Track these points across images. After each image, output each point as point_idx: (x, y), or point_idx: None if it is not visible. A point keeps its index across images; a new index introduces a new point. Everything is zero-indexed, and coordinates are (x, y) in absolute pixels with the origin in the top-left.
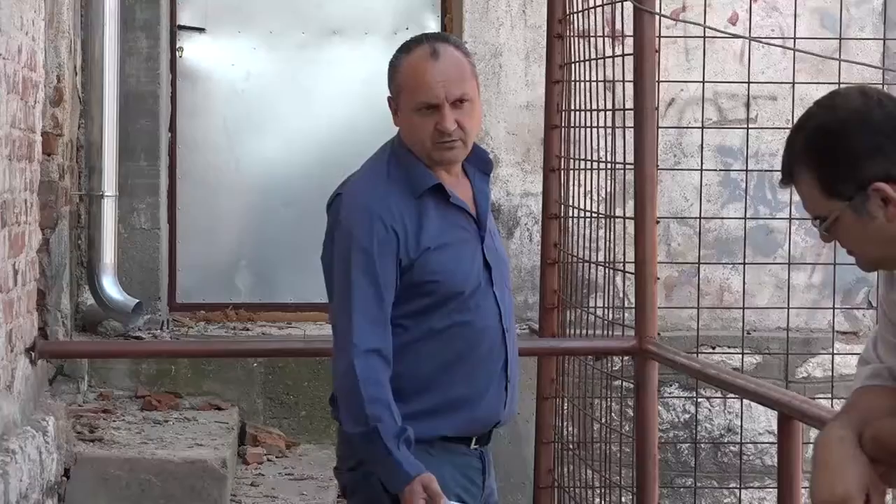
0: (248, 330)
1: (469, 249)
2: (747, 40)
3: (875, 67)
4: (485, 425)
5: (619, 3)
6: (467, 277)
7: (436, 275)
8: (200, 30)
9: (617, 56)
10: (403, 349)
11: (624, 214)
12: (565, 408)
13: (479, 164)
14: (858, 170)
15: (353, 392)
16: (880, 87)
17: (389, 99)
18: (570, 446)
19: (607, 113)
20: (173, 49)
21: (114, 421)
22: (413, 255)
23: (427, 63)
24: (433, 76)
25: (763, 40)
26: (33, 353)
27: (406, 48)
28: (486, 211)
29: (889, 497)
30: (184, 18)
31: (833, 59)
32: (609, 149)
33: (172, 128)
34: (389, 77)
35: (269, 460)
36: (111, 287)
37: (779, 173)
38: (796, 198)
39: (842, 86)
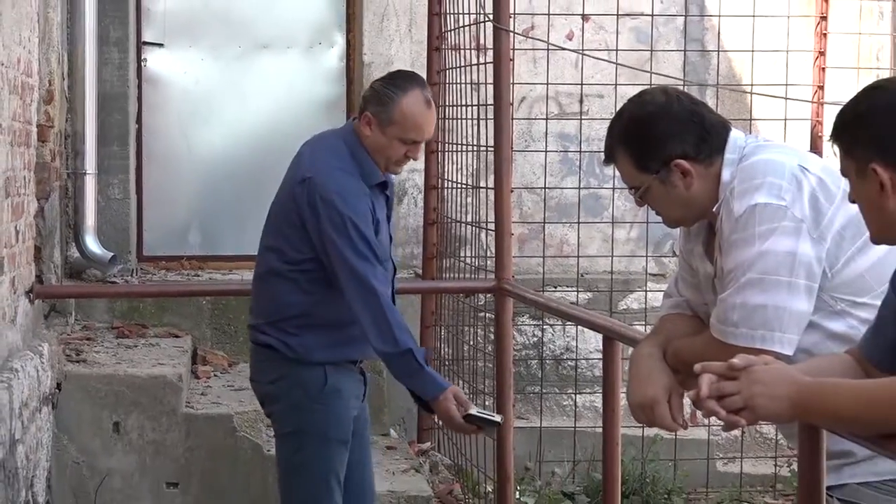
0: (198, 276)
1: (385, 229)
2: (580, 53)
3: (673, 78)
4: (363, 353)
5: (482, 24)
6: (385, 248)
7: (378, 244)
8: (160, 45)
9: (481, 64)
10: (340, 293)
11: (486, 185)
12: (443, 334)
13: None
14: (662, 150)
15: (383, 320)
16: (679, 87)
17: (369, 114)
18: (447, 363)
19: (473, 108)
20: (139, 60)
21: (95, 346)
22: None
23: (424, 110)
24: (427, 122)
25: (590, 53)
26: (31, 295)
27: (402, 88)
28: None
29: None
30: (147, 36)
31: (644, 70)
32: (475, 135)
33: (139, 121)
34: (381, 102)
35: (214, 375)
36: (92, 243)
37: (602, 152)
38: (618, 172)
39: (659, 86)
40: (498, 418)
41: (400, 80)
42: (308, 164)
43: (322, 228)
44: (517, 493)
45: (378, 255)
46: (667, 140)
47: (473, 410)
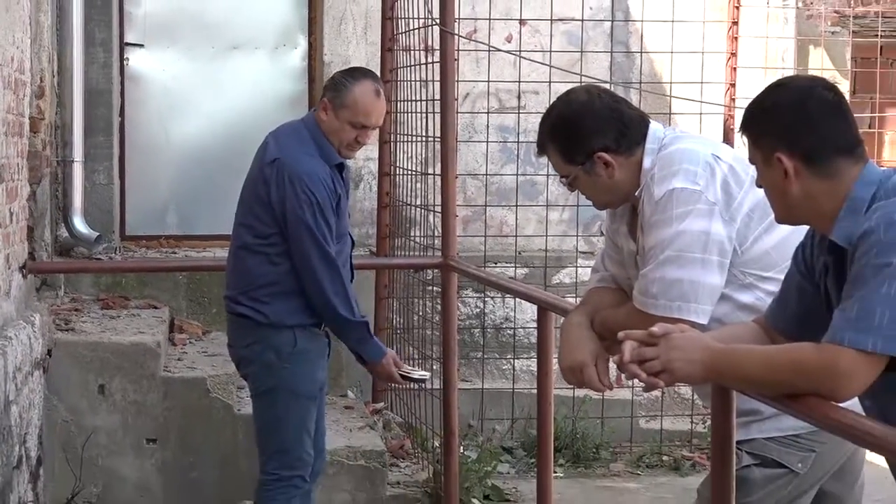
0: (175, 253)
1: (344, 206)
2: (517, 55)
3: (598, 80)
4: None
5: (430, 27)
6: (344, 224)
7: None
8: (141, 45)
9: (428, 63)
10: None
11: (434, 172)
12: (395, 305)
13: None
14: (586, 145)
15: (344, 292)
16: (606, 85)
17: (326, 99)
18: (398, 331)
19: (422, 102)
20: (122, 59)
21: (82, 317)
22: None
23: (373, 99)
24: (375, 110)
25: (526, 55)
26: (24, 270)
27: (356, 78)
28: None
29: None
30: (129, 37)
31: (574, 73)
32: (423, 127)
33: (122, 114)
34: (336, 89)
35: (189, 342)
36: (80, 224)
37: (536, 147)
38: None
39: (583, 84)
40: (426, 375)
41: (355, 72)
42: (275, 148)
43: (289, 206)
44: (461, 447)
45: (334, 237)
46: (590, 136)
47: (405, 370)
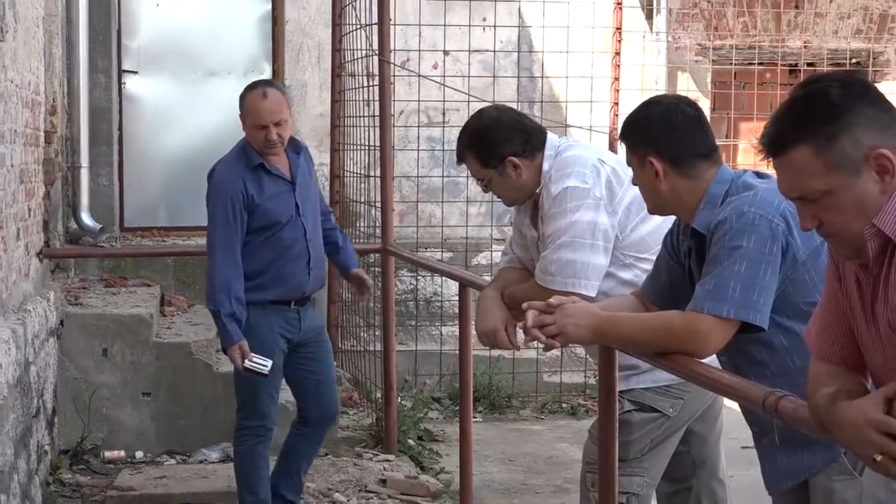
0: (165, 241)
1: (284, 197)
2: (441, 84)
3: (507, 101)
4: (296, 294)
5: (371, 57)
6: (282, 212)
7: (263, 213)
8: (135, 72)
9: (370, 86)
10: (250, 252)
11: (375, 174)
12: (344, 283)
13: (294, 147)
14: (499, 151)
15: (210, 281)
16: (514, 105)
17: (241, 116)
18: (347, 304)
19: (365, 118)
20: (120, 83)
21: (88, 293)
22: (251, 204)
23: (259, 101)
24: (263, 110)
25: (448, 83)
26: (40, 256)
27: (248, 89)
28: (298, 173)
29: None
30: (126, 65)
31: (482, 99)
32: (366, 138)
33: (120, 128)
34: (240, 105)
35: (177, 314)
36: (87, 218)
37: (456, 156)
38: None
39: (491, 103)
40: (266, 366)
41: (250, 85)
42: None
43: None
44: (399, 397)
45: (238, 228)
46: (501, 144)
47: (250, 358)
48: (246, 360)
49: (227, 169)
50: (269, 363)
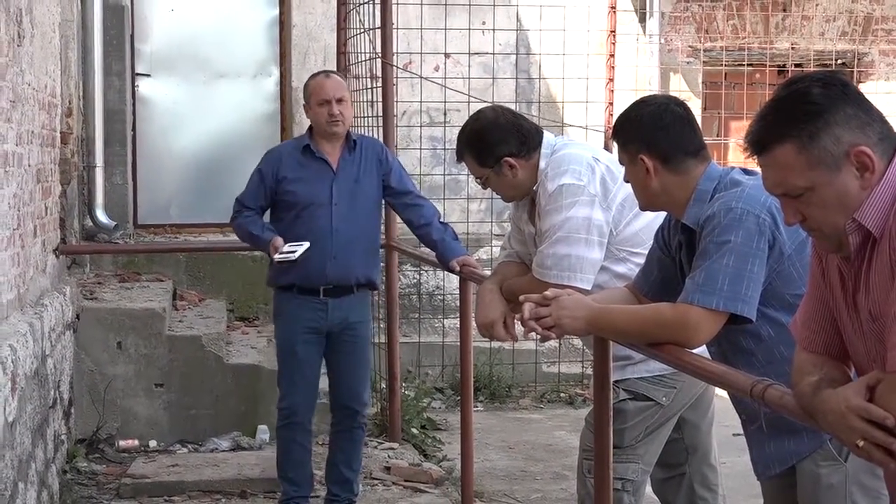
0: (177, 238)
1: (320, 182)
2: (443, 85)
3: (506, 101)
4: (319, 282)
5: (375, 60)
6: (312, 195)
7: (290, 191)
8: (148, 75)
9: (374, 88)
10: (281, 230)
11: None
12: None
13: (351, 144)
14: (495, 151)
15: (239, 226)
16: (512, 105)
17: (305, 105)
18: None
19: (369, 118)
20: (133, 85)
21: (103, 288)
22: (279, 178)
23: (323, 79)
24: (326, 85)
25: (449, 85)
26: (57, 252)
27: (313, 76)
28: (344, 165)
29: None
30: (139, 68)
31: (481, 100)
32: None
33: (134, 129)
34: (304, 93)
35: (188, 308)
36: (102, 216)
37: (455, 155)
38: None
39: (491, 104)
40: (293, 255)
41: (312, 74)
42: None
43: None
44: (402, 388)
45: (255, 199)
46: (497, 145)
47: (278, 255)
48: (276, 254)
49: (278, 146)
50: (299, 249)
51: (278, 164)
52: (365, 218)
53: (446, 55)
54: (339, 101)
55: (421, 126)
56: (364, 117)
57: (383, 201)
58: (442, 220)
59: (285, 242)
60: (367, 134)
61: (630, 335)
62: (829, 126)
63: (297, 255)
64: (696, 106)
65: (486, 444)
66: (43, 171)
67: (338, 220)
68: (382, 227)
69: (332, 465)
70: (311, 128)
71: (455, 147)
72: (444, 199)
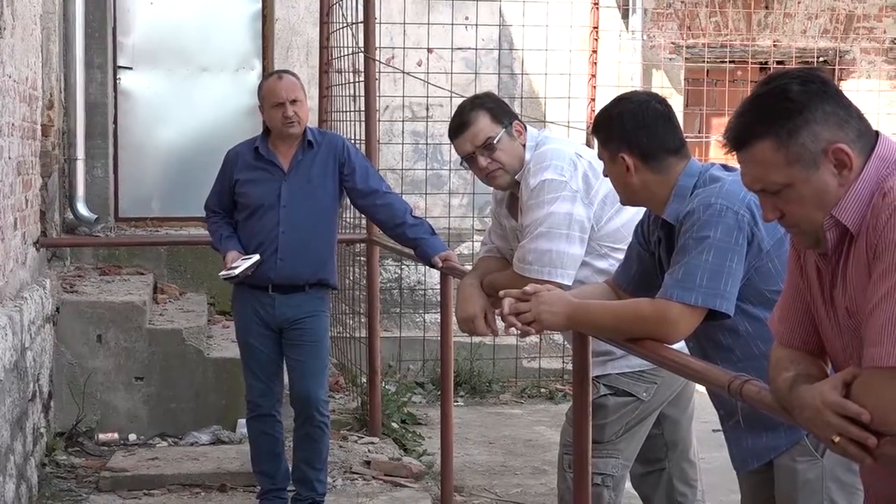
0: (158, 231)
1: (269, 184)
2: (425, 81)
3: (488, 94)
4: (263, 281)
5: (357, 55)
6: (261, 197)
7: (242, 193)
8: (130, 68)
9: (356, 82)
10: (238, 231)
11: None
12: None
13: (310, 143)
14: (509, 109)
15: (211, 232)
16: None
17: (259, 105)
18: (335, 291)
19: (351, 113)
20: (115, 78)
21: (84, 281)
22: (232, 180)
23: (275, 82)
24: (278, 88)
25: (431, 80)
26: (37, 245)
27: (264, 78)
28: (298, 166)
29: None
30: (121, 61)
31: (463, 95)
32: (353, 132)
33: (115, 122)
34: (258, 94)
35: (169, 301)
36: (82, 209)
37: (442, 145)
38: (454, 156)
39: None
40: (233, 272)
41: (266, 74)
42: None
43: None
44: (383, 382)
45: (218, 200)
46: (507, 107)
47: (224, 271)
48: (222, 270)
49: (235, 147)
50: (244, 264)
51: (233, 166)
52: (317, 219)
53: (429, 50)
54: (294, 101)
55: (403, 121)
56: (346, 112)
57: (347, 201)
58: (414, 213)
59: (240, 244)
60: (349, 129)
61: (608, 330)
62: (808, 123)
63: (238, 271)
64: (677, 102)
65: (466, 438)
66: (23, 164)
67: (286, 223)
68: (363, 221)
69: (295, 463)
70: (266, 127)
71: (441, 141)
72: (425, 193)
